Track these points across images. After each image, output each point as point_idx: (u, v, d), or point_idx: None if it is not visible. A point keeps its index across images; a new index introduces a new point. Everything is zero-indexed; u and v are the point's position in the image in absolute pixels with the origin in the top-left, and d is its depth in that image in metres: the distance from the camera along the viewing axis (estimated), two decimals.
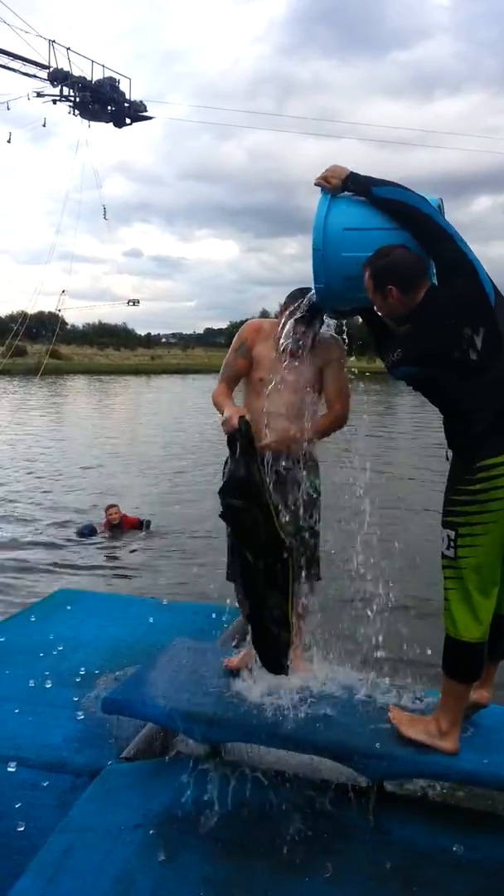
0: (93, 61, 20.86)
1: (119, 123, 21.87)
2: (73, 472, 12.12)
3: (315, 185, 2.23)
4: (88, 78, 20.56)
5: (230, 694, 2.43)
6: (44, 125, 20.57)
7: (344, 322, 2.52)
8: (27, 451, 14.29)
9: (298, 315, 2.37)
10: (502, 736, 2.28)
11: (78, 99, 20.53)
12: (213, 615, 3.64)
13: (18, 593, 5.85)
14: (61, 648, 3.27)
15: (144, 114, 22.23)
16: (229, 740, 2.37)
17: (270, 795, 2.18)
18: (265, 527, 2.18)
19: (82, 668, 3.06)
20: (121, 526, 7.90)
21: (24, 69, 19.95)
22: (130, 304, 27.49)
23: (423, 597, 5.03)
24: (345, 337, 2.52)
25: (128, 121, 22.09)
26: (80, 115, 20.76)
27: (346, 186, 2.18)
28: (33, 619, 3.72)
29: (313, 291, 2.34)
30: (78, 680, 2.97)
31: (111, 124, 21.80)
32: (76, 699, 2.80)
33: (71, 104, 20.65)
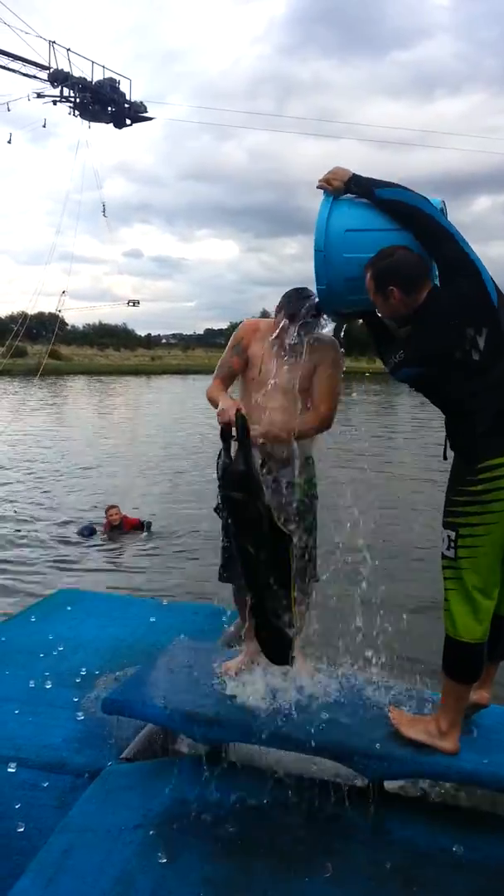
0: (93, 62, 20.87)
1: (119, 124, 21.87)
2: (73, 473, 12.12)
3: (318, 188, 2.23)
4: (88, 79, 20.57)
5: (230, 694, 2.43)
6: (44, 126, 20.58)
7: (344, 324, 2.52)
8: (27, 452, 14.30)
9: (302, 318, 2.37)
10: (502, 736, 2.28)
11: (78, 100, 20.53)
12: (213, 615, 3.64)
13: (18, 593, 5.86)
14: (61, 649, 3.27)
15: (144, 114, 22.23)
16: (229, 740, 2.37)
17: (270, 795, 2.18)
18: (266, 519, 2.19)
19: (82, 669, 3.06)
20: (121, 527, 7.90)
21: (24, 70, 19.97)
22: (130, 304, 27.51)
23: (423, 596, 5.04)
24: (342, 338, 2.52)
25: (128, 121, 22.08)
26: (81, 115, 20.76)
27: (348, 189, 2.18)
28: (33, 620, 3.72)
29: (314, 294, 2.35)
30: (78, 680, 2.97)
31: (111, 125, 21.79)
32: (76, 699, 2.80)
33: (71, 105, 20.65)
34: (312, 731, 2.22)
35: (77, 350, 67.66)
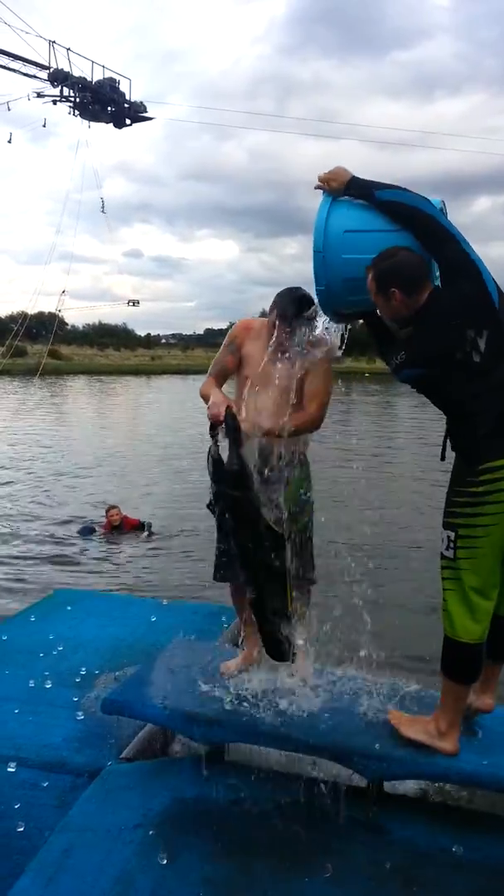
0: (93, 62, 20.88)
1: (119, 124, 21.87)
2: (73, 473, 12.12)
3: (315, 188, 2.23)
4: (88, 78, 20.58)
5: (230, 694, 2.43)
6: (44, 126, 20.60)
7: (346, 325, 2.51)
8: (27, 452, 14.29)
9: (293, 318, 2.36)
10: (502, 736, 2.28)
11: (78, 99, 20.54)
12: (213, 615, 3.65)
13: (18, 593, 5.86)
14: (61, 648, 3.28)
15: (144, 114, 22.24)
16: (229, 740, 2.37)
17: (270, 795, 2.18)
18: (261, 516, 2.19)
19: (82, 668, 3.06)
20: (121, 527, 7.90)
21: (24, 70, 19.98)
22: (130, 304, 27.50)
23: (424, 596, 5.05)
24: (344, 335, 2.51)
25: (128, 121, 22.09)
26: (81, 115, 20.77)
27: (347, 192, 2.17)
28: (33, 619, 3.72)
29: (307, 293, 2.35)
30: (78, 680, 2.97)
31: (111, 125, 21.81)
32: (76, 699, 2.80)
33: (71, 105, 20.66)
34: (312, 731, 2.23)
35: (77, 350, 67.63)
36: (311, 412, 2.44)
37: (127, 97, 21.61)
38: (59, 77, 19.95)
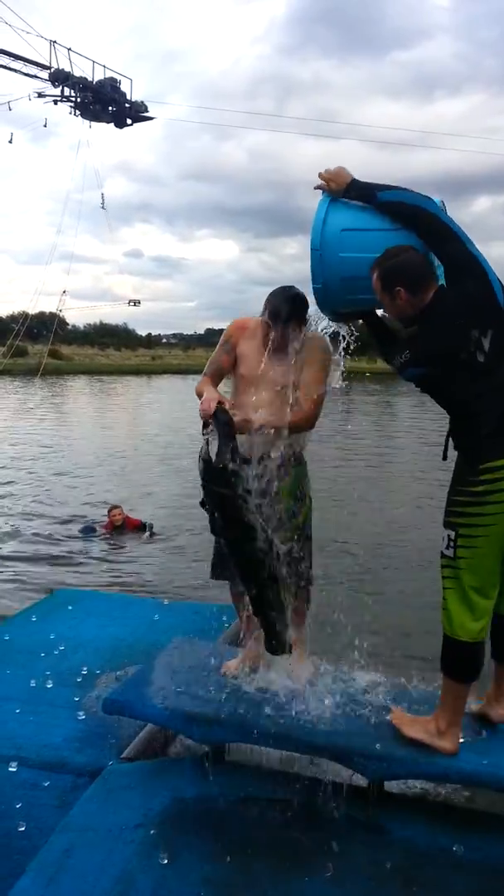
0: (94, 62, 20.90)
1: (120, 124, 21.89)
2: (74, 472, 12.12)
3: (315, 188, 2.23)
4: (89, 78, 20.59)
5: (230, 694, 2.43)
6: (45, 126, 20.61)
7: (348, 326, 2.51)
8: (28, 451, 14.30)
9: (287, 316, 2.35)
10: (502, 736, 2.28)
11: (79, 99, 20.55)
12: (214, 615, 3.65)
13: (19, 593, 5.86)
14: (62, 648, 3.28)
15: (145, 114, 22.25)
16: (229, 741, 2.38)
17: (270, 795, 2.18)
18: (251, 513, 2.19)
19: (83, 668, 3.06)
20: (123, 527, 7.90)
21: (25, 70, 20.00)
22: (131, 304, 27.53)
23: (425, 596, 5.04)
24: (345, 335, 2.50)
25: (128, 121, 22.11)
26: (81, 115, 20.79)
27: (347, 193, 2.17)
28: (34, 619, 3.73)
29: (300, 292, 2.34)
30: (79, 680, 2.97)
31: (112, 125, 21.82)
32: (77, 699, 2.81)
33: (72, 105, 20.67)
34: (312, 731, 2.23)
35: (78, 350, 67.62)
36: (305, 409, 2.42)
37: (128, 97, 21.63)
38: (59, 77, 19.97)
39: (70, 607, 3.90)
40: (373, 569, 6.67)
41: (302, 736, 2.22)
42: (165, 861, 1.91)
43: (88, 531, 7.87)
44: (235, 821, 2.09)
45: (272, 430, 2.36)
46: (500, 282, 2.03)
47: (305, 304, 2.40)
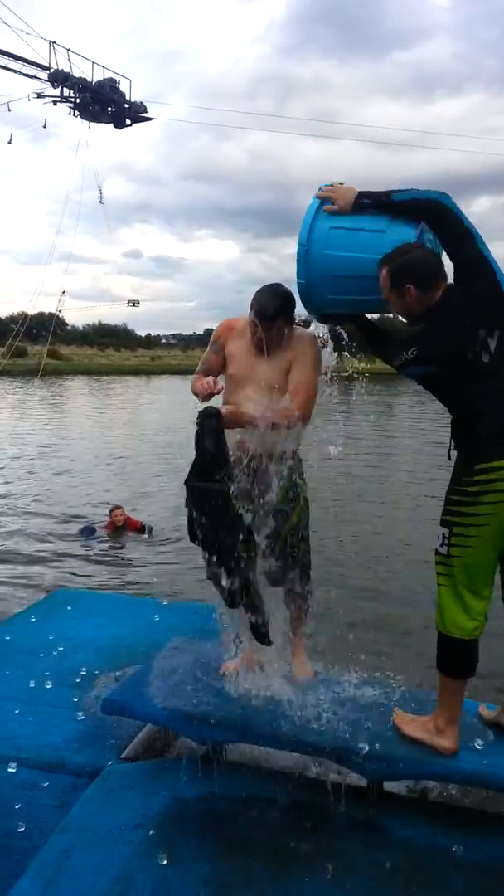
0: (93, 62, 20.87)
1: (119, 124, 21.87)
2: (73, 473, 12.13)
3: (318, 197, 2.22)
4: (89, 79, 20.57)
5: (230, 694, 2.43)
6: (44, 126, 20.58)
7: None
8: (28, 451, 14.30)
9: (273, 314, 2.35)
10: (503, 737, 2.28)
11: (78, 100, 20.53)
12: (213, 615, 3.64)
13: (18, 593, 5.86)
14: (61, 649, 3.28)
15: (144, 115, 22.23)
16: (229, 741, 2.37)
17: (270, 795, 2.18)
18: (233, 504, 2.19)
19: (82, 669, 3.06)
20: (124, 528, 7.90)
21: (24, 70, 19.96)
22: (130, 304, 27.54)
23: (426, 595, 5.04)
24: (342, 332, 2.49)
25: (128, 122, 22.08)
26: (81, 116, 20.76)
27: (360, 204, 2.16)
28: (33, 620, 3.72)
29: (288, 290, 2.34)
30: (78, 680, 2.97)
31: (111, 125, 21.80)
32: (76, 699, 2.80)
33: (71, 105, 20.65)
34: (312, 731, 2.23)
35: (77, 350, 67.66)
36: (295, 405, 2.39)
37: (127, 97, 21.61)
38: (59, 77, 19.95)
39: (69, 607, 3.90)
40: (373, 568, 6.67)
41: (302, 736, 2.22)
42: (165, 861, 1.91)
43: (88, 532, 7.87)
44: (235, 821, 2.09)
45: (264, 427, 2.34)
46: None
47: (292, 302, 2.39)
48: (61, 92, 20.38)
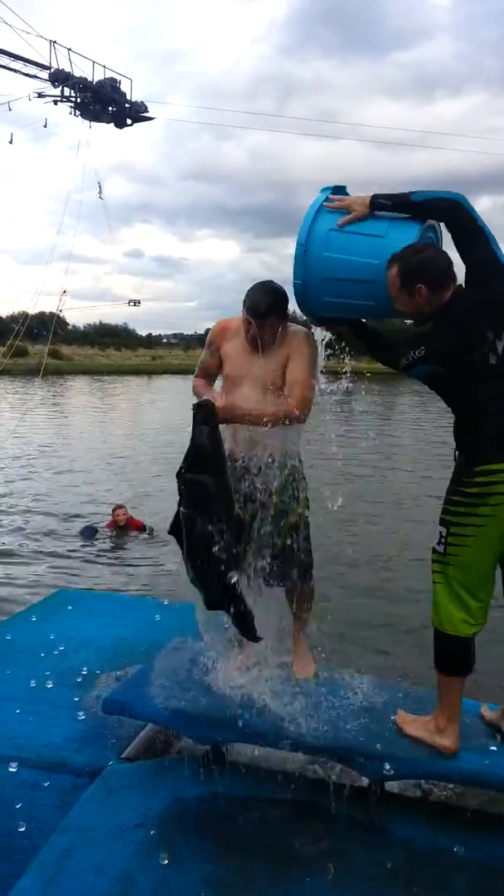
0: (94, 62, 20.87)
1: (120, 124, 21.86)
2: (74, 472, 12.13)
3: (330, 206, 2.21)
4: (89, 79, 20.56)
5: (230, 694, 2.43)
6: (45, 126, 20.57)
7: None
8: (29, 451, 14.31)
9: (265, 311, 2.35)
10: None
11: (79, 100, 20.53)
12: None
13: (19, 593, 5.86)
14: (62, 648, 3.28)
15: (145, 114, 22.23)
16: (230, 741, 2.37)
17: (271, 795, 2.18)
18: (227, 496, 2.19)
19: (83, 668, 3.06)
20: (126, 527, 7.90)
21: (25, 70, 19.97)
22: (131, 304, 27.44)
23: (426, 595, 5.04)
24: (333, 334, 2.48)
25: (129, 121, 22.08)
26: (81, 115, 20.74)
27: (377, 206, 2.15)
28: (34, 619, 3.72)
29: (279, 287, 2.34)
30: (79, 680, 2.97)
31: (112, 125, 21.79)
32: (77, 699, 2.81)
33: (72, 105, 20.64)
34: (313, 731, 2.23)
35: (78, 350, 67.60)
36: (291, 401, 2.37)
37: (128, 97, 21.61)
38: (59, 77, 19.95)
39: (70, 607, 3.90)
40: (374, 567, 6.67)
41: (302, 736, 2.22)
42: (165, 861, 1.91)
43: (88, 531, 7.87)
44: (236, 821, 2.09)
45: (262, 424, 2.33)
46: None
47: (285, 299, 2.39)
48: (62, 91, 20.38)
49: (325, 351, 2.43)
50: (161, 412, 24.50)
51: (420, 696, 2.46)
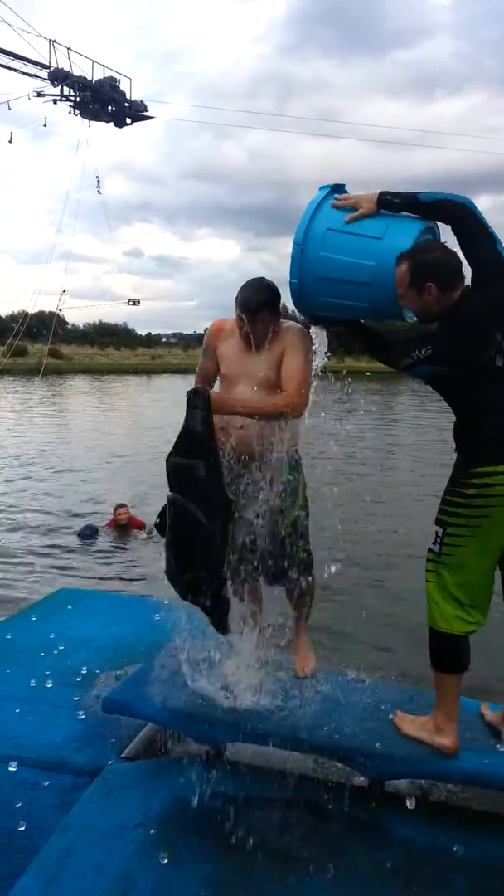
0: (93, 61, 20.91)
1: (119, 123, 21.88)
2: (74, 472, 12.12)
3: (336, 205, 2.20)
4: (89, 78, 20.59)
5: (230, 694, 2.43)
6: (44, 125, 20.59)
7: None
8: (28, 452, 14.30)
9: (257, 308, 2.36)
10: None
11: (78, 99, 20.55)
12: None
13: (19, 592, 5.86)
14: (62, 648, 3.27)
15: (145, 113, 22.24)
16: (229, 740, 2.37)
17: (271, 795, 2.18)
18: (215, 482, 2.17)
19: (83, 668, 3.06)
20: (127, 527, 7.89)
21: (24, 69, 20.01)
22: (131, 303, 27.47)
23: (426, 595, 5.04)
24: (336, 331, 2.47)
25: (128, 120, 22.10)
26: (81, 114, 20.77)
27: (386, 204, 2.13)
28: (34, 619, 3.72)
29: (272, 284, 2.33)
30: (79, 679, 2.97)
31: (111, 124, 21.81)
32: (77, 699, 2.80)
33: (71, 104, 20.67)
34: (313, 730, 2.23)
35: (77, 349, 67.61)
36: (285, 395, 2.36)
37: (127, 96, 21.63)
38: (59, 76, 19.97)
39: (70, 607, 3.90)
40: (374, 567, 6.67)
41: (302, 735, 2.22)
42: (165, 861, 1.91)
43: (88, 531, 7.86)
44: (236, 820, 2.08)
45: (256, 415, 2.34)
46: None
47: (277, 295, 2.39)
48: (61, 91, 20.40)
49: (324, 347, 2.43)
50: (160, 411, 24.50)
51: (420, 695, 2.45)
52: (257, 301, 2.36)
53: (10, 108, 20.06)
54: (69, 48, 19.95)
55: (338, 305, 2.22)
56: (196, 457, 2.15)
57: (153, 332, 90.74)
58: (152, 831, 2.03)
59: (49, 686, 2.90)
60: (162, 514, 2.25)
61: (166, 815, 2.10)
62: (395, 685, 2.57)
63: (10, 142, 20.73)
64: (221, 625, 2.38)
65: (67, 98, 20.54)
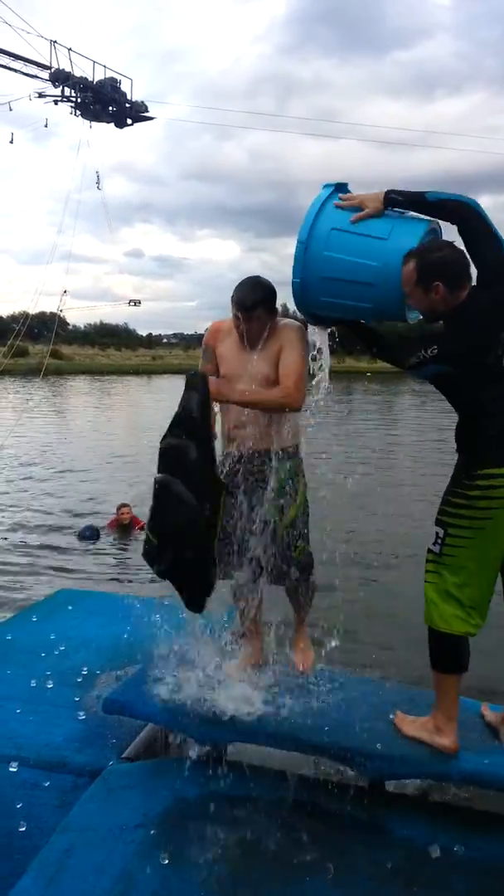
0: (94, 62, 20.87)
1: (120, 124, 21.86)
2: (75, 472, 12.14)
3: (340, 205, 2.20)
4: (90, 78, 20.56)
5: (230, 694, 2.43)
6: (45, 126, 20.57)
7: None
8: (29, 452, 14.31)
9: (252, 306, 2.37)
10: None
11: (79, 99, 20.53)
12: (215, 615, 3.64)
13: (20, 593, 5.87)
14: (63, 648, 3.28)
15: (146, 114, 22.23)
16: (230, 740, 2.38)
17: (271, 795, 2.18)
18: (207, 464, 2.17)
19: (84, 668, 3.06)
20: (129, 527, 7.89)
21: (25, 70, 19.96)
22: (132, 304, 27.43)
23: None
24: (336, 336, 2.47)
25: (129, 121, 22.08)
26: (82, 115, 20.75)
27: (392, 202, 2.13)
28: (35, 619, 3.72)
29: (267, 282, 2.33)
30: (79, 679, 2.97)
31: (112, 125, 21.79)
32: (77, 699, 2.80)
33: (72, 105, 20.65)
34: (313, 730, 2.23)
35: (78, 350, 67.64)
36: (282, 389, 2.37)
37: (128, 97, 21.60)
38: (60, 77, 19.95)
39: (71, 607, 3.90)
40: (374, 566, 6.67)
41: (302, 735, 2.22)
42: (166, 861, 1.91)
43: (88, 532, 7.86)
44: (236, 820, 2.08)
45: (255, 405, 2.35)
46: None
47: (273, 293, 2.39)
48: (62, 91, 20.37)
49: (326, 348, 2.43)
50: (161, 412, 24.51)
51: (420, 696, 2.45)
52: (252, 299, 2.37)
53: (11, 109, 20.04)
54: (70, 49, 19.96)
55: (340, 305, 2.21)
56: (189, 438, 2.14)
57: (154, 333, 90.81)
58: (152, 832, 2.03)
59: (49, 686, 2.90)
60: (148, 541, 2.23)
61: (166, 815, 2.10)
62: (395, 685, 2.57)
63: (12, 142, 20.71)
64: (199, 605, 2.33)
65: (68, 99, 20.53)
